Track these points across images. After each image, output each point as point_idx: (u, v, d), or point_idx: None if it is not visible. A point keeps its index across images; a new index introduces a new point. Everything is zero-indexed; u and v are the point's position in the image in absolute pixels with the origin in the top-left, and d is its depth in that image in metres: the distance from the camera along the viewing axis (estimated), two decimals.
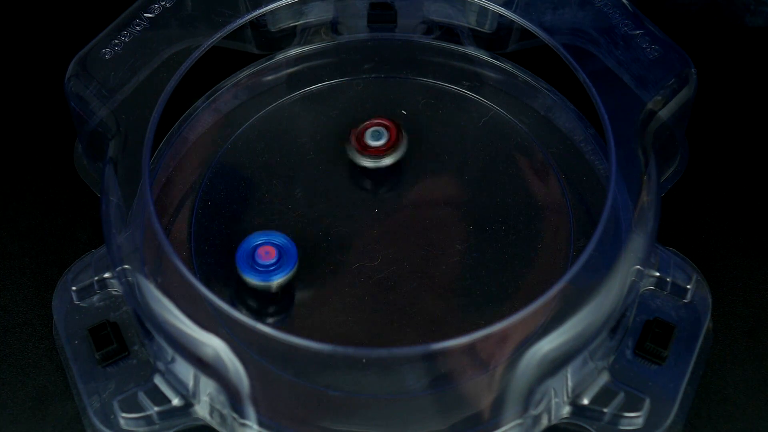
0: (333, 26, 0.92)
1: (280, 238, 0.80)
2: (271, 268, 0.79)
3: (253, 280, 0.79)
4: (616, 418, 0.74)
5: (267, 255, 0.79)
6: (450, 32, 0.92)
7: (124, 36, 0.83)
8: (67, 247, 0.85)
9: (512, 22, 0.86)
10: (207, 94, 0.89)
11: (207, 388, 0.74)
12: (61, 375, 0.79)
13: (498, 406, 0.73)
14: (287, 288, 0.80)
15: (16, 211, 0.87)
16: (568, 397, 0.74)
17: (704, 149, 0.88)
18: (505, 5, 0.86)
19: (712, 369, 0.79)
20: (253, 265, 0.79)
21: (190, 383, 0.74)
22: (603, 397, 0.75)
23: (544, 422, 0.75)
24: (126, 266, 0.76)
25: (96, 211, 0.85)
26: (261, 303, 0.80)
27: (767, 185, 0.87)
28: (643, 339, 0.77)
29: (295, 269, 0.79)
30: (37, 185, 0.88)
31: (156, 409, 0.75)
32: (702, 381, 0.78)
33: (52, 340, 0.80)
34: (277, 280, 0.79)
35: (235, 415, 0.73)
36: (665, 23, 0.86)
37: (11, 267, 0.84)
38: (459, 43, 0.92)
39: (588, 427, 0.75)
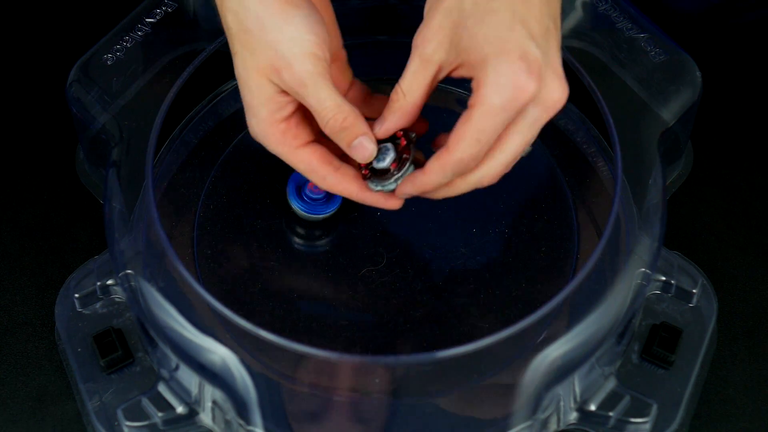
0: None
1: None
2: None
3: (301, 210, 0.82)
4: (623, 423, 0.74)
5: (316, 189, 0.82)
6: None
7: (126, 41, 0.83)
8: (68, 248, 0.85)
9: None
10: (209, 97, 0.89)
11: (211, 395, 0.74)
12: (61, 375, 0.79)
13: (506, 410, 0.73)
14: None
15: (16, 212, 0.87)
16: (575, 402, 0.74)
17: (708, 152, 0.88)
18: None
19: (712, 369, 0.79)
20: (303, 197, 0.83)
21: (195, 391, 0.74)
22: (610, 402, 0.75)
23: (553, 426, 0.75)
24: (129, 271, 0.76)
25: (96, 212, 0.85)
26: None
27: None
28: (650, 343, 0.77)
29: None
30: (38, 186, 0.88)
31: (160, 416, 0.74)
32: (702, 381, 0.78)
33: (53, 340, 0.80)
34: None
35: (241, 422, 0.73)
36: (670, 26, 0.86)
37: (12, 267, 0.84)
38: None
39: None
